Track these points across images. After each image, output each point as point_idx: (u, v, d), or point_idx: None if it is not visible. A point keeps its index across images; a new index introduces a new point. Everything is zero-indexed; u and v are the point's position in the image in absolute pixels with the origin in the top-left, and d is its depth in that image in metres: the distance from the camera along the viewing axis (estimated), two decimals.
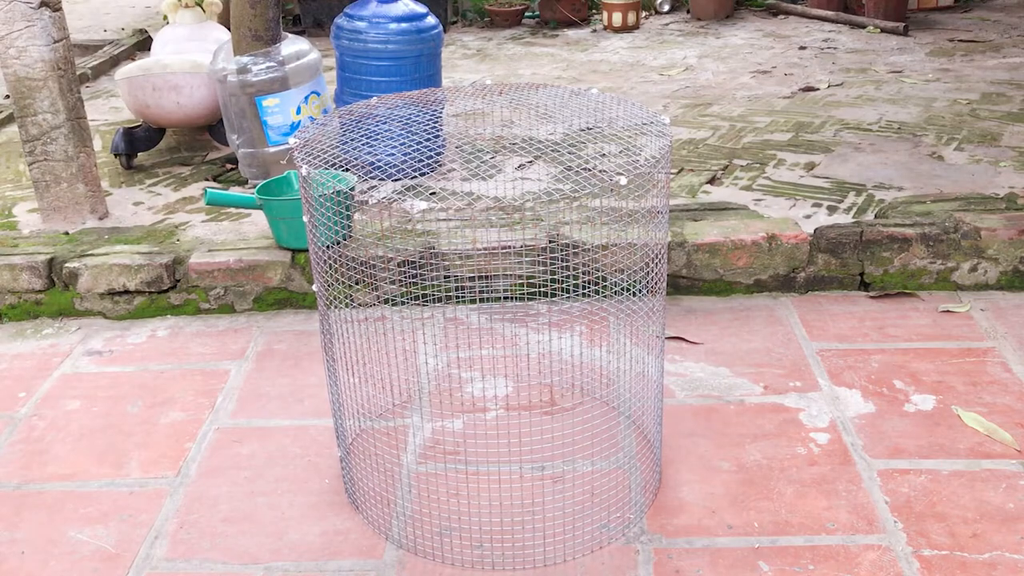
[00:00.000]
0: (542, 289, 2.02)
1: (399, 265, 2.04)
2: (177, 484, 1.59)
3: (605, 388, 1.80)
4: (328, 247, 2.19)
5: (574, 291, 2.01)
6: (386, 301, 2.03)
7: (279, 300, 2.17)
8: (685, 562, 1.36)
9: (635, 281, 1.35)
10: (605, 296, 1.97)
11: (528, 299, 2.07)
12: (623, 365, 1.86)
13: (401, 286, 1.82)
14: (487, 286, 2.06)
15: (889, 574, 1.34)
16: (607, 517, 1.44)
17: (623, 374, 1.82)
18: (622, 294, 1.42)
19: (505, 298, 2.08)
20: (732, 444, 1.63)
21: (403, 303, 2.06)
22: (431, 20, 2.59)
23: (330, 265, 1.32)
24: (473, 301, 2.08)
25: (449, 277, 2.06)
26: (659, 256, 1.34)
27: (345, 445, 1.39)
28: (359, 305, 1.27)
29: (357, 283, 1.80)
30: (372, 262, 1.93)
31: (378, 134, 1.42)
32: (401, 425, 1.71)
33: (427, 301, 2.06)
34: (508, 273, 2.07)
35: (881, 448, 1.61)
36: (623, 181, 1.13)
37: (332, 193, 2.03)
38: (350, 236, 2.08)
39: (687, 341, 1.96)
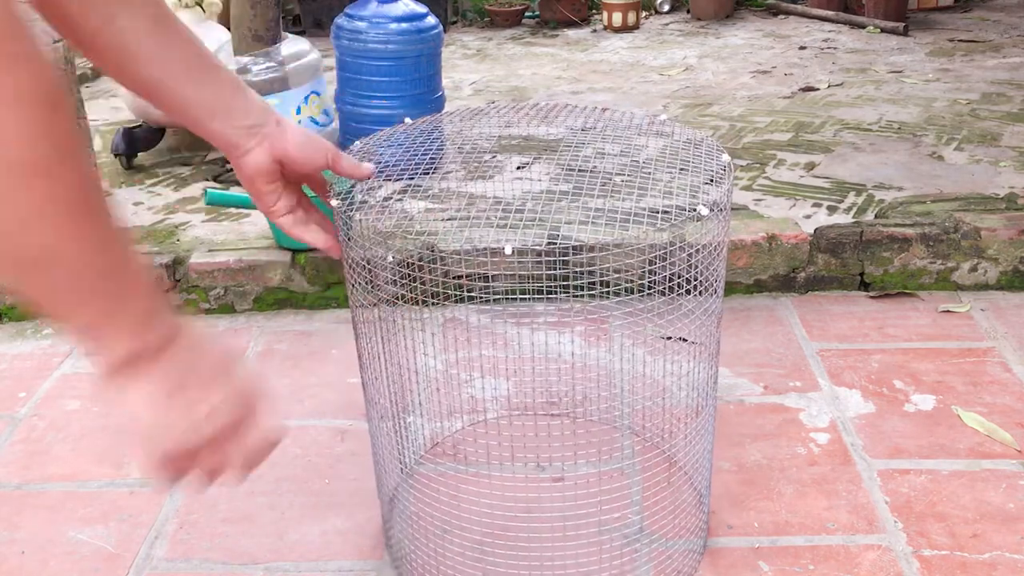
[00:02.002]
0: (566, 290, 2.02)
1: (399, 265, 2.04)
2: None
3: (608, 389, 1.80)
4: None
5: (593, 291, 2.01)
6: (387, 301, 2.02)
7: (279, 300, 2.17)
8: (685, 562, 1.36)
9: (687, 280, 1.34)
10: (621, 297, 1.97)
11: (538, 299, 2.07)
12: (625, 365, 1.86)
13: (401, 286, 1.82)
14: (489, 286, 2.06)
15: (889, 574, 1.34)
16: (608, 518, 1.44)
17: (625, 374, 1.82)
18: (661, 295, 1.41)
19: (507, 298, 2.08)
20: (732, 444, 1.63)
21: (403, 303, 2.06)
22: (431, 20, 2.59)
23: (363, 266, 1.30)
24: (474, 301, 2.08)
25: (457, 277, 2.06)
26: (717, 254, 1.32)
27: (380, 445, 1.38)
28: (361, 306, 1.27)
29: (396, 284, 1.80)
30: (372, 262, 1.93)
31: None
32: (401, 425, 1.71)
33: (427, 301, 2.06)
34: (510, 273, 2.07)
35: (881, 448, 1.61)
36: (704, 212, 1.13)
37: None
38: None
39: (689, 342, 1.96)
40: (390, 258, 1.30)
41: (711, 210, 1.14)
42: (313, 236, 1.09)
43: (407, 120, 1.36)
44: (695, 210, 1.12)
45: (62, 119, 0.56)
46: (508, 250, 1.13)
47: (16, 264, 0.60)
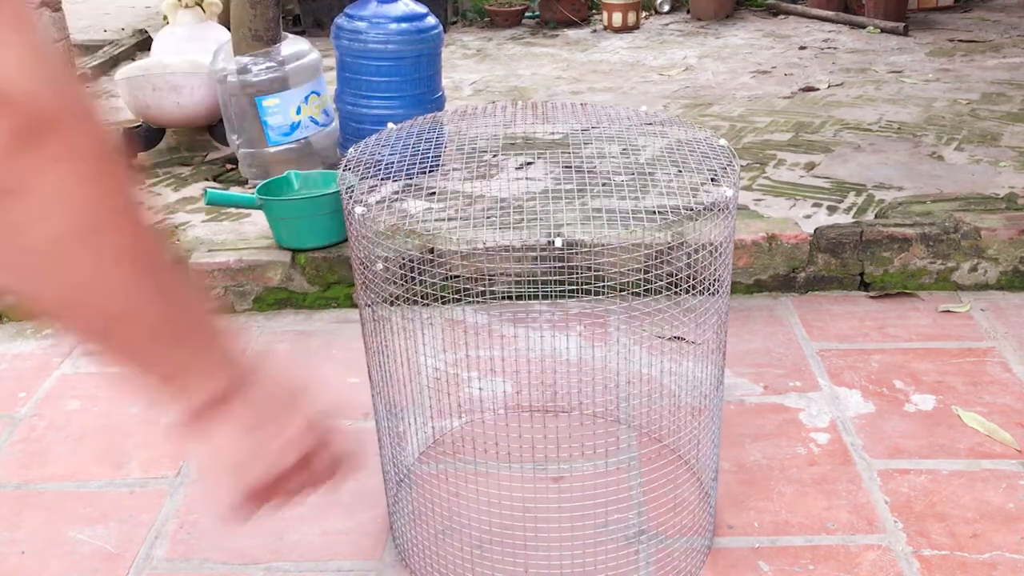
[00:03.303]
0: (572, 288, 2.02)
1: (400, 265, 2.04)
2: (177, 484, 1.59)
3: (607, 389, 1.80)
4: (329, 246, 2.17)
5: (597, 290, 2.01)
6: (386, 301, 2.02)
7: (279, 300, 2.17)
8: (685, 562, 1.36)
9: (694, 280, 1.33)
10: (621, 296, 1.97)
11: (544, 299, 2.07)
12: (624, 364, 1.86)
13: (401, 286, 1.83)
14: (488, 286, 2.06)
15: (889, 574, 1.34)
16: (607, 517, 1.44)
17: (624, 373, 1.82)
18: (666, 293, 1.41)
19: (506, 298, 2.08)
20: (732, 444, 1.63)
21: (403, 303, 2.06)
22: (431, 20, 2.59)
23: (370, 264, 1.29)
24: (474, 300, 2.08)
25: (457, 277, 2.06)
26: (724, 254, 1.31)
27: (386, 443, 1.38)
28: (365, 305, 1.27)
29: (398, 284, 1.80)
30: (371, 261, 1.93)
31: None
32: (401, 425, 1.71)
33: (427, 301, 2.06)
34: (508, 272, 2.06)
35: (881, 448, 1.61)
36: (729, 193, 1.13)
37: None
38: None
39: (687, 341, 1.96)
40: (380, 265, 1.30)
41: (714, 208, 1.14)
42: None
43: (390, 125, 1.36)
44: (715, 179, 1.11)
45: (112, 179, 0.53)
46: (558, 243, 1.12)
47: (90, 329, 0.60)
